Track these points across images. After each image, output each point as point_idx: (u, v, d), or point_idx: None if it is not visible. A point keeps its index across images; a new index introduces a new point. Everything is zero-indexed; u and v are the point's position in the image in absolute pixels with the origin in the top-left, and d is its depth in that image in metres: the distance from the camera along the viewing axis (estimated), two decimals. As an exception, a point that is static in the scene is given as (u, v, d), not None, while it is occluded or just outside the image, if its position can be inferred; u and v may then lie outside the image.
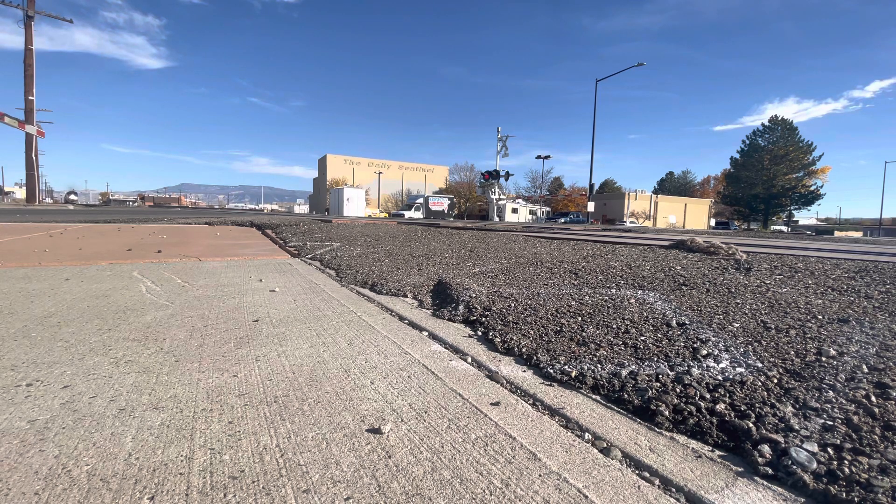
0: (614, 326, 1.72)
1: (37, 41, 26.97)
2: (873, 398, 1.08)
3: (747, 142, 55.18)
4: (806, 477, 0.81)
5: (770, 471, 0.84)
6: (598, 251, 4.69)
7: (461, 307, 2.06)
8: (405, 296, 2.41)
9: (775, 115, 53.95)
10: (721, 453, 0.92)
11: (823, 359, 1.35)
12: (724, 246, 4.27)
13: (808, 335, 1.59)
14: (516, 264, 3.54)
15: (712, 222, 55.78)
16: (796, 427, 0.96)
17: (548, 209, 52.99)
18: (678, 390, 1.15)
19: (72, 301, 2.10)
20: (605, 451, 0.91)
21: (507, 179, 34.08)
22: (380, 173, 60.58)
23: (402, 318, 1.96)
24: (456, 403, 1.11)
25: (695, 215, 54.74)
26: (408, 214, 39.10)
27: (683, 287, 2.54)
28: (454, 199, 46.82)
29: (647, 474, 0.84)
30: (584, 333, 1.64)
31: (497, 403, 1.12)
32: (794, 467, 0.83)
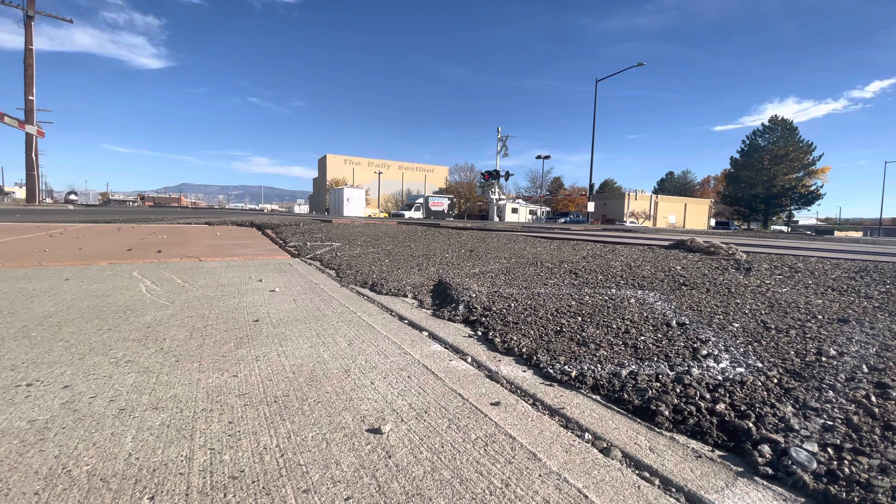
0: (614, 326, 1.72)
1: (37, 41, 26.99)
2: (873, 398, 1.08)
3: (747, 142, 55.21)
4: (806, 477, 0.81)
5: (770, 471, 0.84)
6: (598, 251, 4.69)
7: (461, 307, 2.06)
8: (405, 296, 2.41)
9: (775, 115, 54.00)
10: (721, 453, 0.92)
11: (823, 359, 1.35)
12: (724, 246, 4.27)
13: (808, 335, 1.59)
14: (516, 264, 3.54)
15: (712, 222, 55.79)
16: (796, 427, 0.96)
17: (548, 209, 53.00)
18: (678, 390, 1.15)
19: (72, 301, 2.10)
20: (605, 451, 0.91)
21: (507, 179, 34.09)
22: (380, 173, 60.59)
23: (402, 318, 1.96)
24: (456, 403, 1.11)
25: (695, 215, 54.75)
26: (408, 214, 39.10)
27: (683, 287, 2.54)
28: (454, 199, 46.83)
29: (647, 474, 0.84)
30: (584, 333, 1.64)
31: (497, 403, 1.12)
32: (794, 467, 0.83)
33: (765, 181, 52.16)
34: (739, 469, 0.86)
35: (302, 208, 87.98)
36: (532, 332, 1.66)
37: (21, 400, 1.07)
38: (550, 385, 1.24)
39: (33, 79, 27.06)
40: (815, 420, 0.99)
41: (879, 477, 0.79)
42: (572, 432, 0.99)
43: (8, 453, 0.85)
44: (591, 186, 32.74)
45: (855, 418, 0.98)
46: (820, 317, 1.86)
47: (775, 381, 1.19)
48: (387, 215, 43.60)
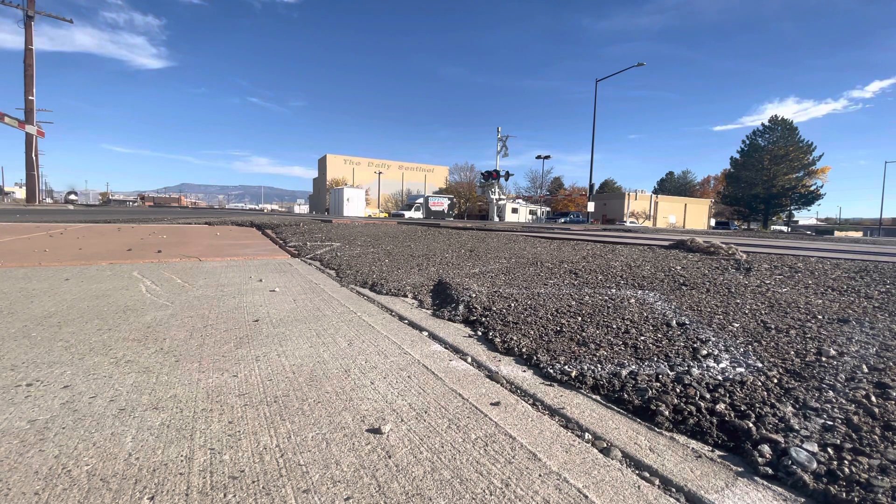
0: (614, 326, 1.72)
1: (37, 41, 27.00)
2: (873, 398, 1.08)
3: (747, 142, 55.21)
4: (806, 477, 0.81)
5: (770, 471, 0.84)
6: (598, 251, 4.69)
7: (461, 307, 2.06)
8: (405, 296, 2.41)
9: (775, 115, 54.01)
10: (721, 453, 0.92)
11: (823, 359, 1.35)
12: (724, 246, 4.27)
13: (808, 335, 1.59)
14: (516, 264, 3.54)
15: (712, 222, 55.79)
16: (796, 427, 0.96)
17: (548, 209, 53.00)
18: (678, 390, 1.15)
19: (72, 301, 2.10)
20: (605, 451, 0.91)
21: (507, 179, 34.10)
22: (380, 173, 60.59)
23: (402, 318, 1.96)
24: (456, 403, 1.11)
25: (695, 215, 54.75)
26: (408, 214, 39.10)
27: (683, 287, 2.54)
28: (454, 199, 46.83)
29: (647, 474, 0.84)
30: (584, 333, 1.64)
31: (497, 403, 1.12)
32: (794, 467, 0.83)
33: (765, 181, 52.16)
34: (739, 469, 0.86)
35: (302, 208, 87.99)
36: (532, 332, 1.66)
37: (21, 400, 1.07)
38: (550, 385, 1.24)
39: (33, 79, 27.07)
40: (815, 420, 0.99)
41: (879, 477, 0.79)
42: (572, 432, 0.99)
43: (8, 453, 0.85)
44: (591, 186, 32.75)
45: (855, 418, 0.98)
46: (820, 317, 1.86)
47: (775, 381, 1.19)
48: (387, 215, 43.59)
